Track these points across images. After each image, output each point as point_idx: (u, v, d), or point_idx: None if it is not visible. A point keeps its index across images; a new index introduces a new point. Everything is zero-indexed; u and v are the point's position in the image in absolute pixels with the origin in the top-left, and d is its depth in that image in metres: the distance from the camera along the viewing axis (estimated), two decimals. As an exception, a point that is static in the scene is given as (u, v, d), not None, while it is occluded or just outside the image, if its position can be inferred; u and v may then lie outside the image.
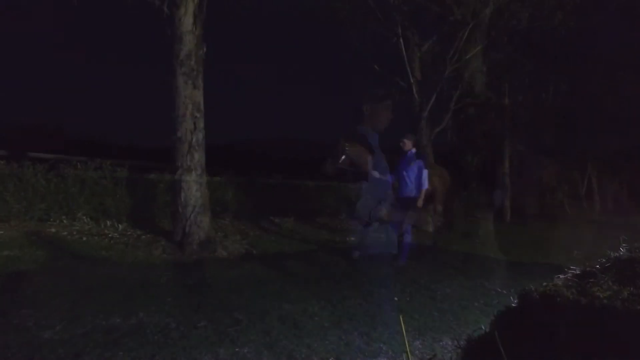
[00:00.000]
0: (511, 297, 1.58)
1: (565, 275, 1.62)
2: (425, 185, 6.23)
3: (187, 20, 6.40)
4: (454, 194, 8.22)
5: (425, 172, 6.27)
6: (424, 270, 5.77)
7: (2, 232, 6.16)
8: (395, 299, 4.23)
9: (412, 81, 11.73)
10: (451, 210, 8.36)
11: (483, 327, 1.41)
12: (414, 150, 6.45)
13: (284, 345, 2.93)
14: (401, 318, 1.60)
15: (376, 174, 6.48)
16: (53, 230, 6.50)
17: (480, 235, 11.46)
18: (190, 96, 6.46)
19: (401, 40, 11.32)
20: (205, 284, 4.55)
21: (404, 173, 6.29)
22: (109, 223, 7.25)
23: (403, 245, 6.20)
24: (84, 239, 6.50)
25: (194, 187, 6.50)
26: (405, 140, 6.47)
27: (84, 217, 7.12)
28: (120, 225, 7.26)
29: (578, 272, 1.64)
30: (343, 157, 6.64)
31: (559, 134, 17.32)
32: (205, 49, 6.68)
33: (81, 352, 2.66)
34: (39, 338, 2.88)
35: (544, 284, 1.53)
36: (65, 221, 6.75)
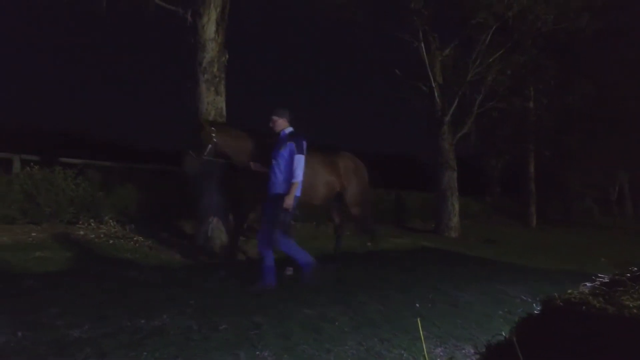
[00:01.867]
0: (534, 305, 1.55)
1: (593, 283, 1.57)
2: (297, 176, 4.54)
3: (209, 28, 6.54)
4: (367, 195, 6.43)
5: (298, 159, 4.55)
6: (445, 277, 5.69)
7: (34, 234, 6.40)
8: (417, 305, 4.19)
9: (433, 85, 11.65)
10: (369, 216, 6.70)
11: (503, 334, 1.39)
12: (287, 130, 4.77)
13: (304, 349, 2.94)
14: (419, 324, 1.57)
15: (258, 167, 5.11)
16: (81, 232, 6.71)
17: (503, 241, 11.23)
18: (213, 102, 6.59)
19: (422, 45, 11.25)
20: (226, 287, 4.60)
21: (273, 162, 4.70)
22: (133, 227, 7.43)
23: (264, 266, 4.63)
24: (111, 241, 6.67)
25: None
26: (275, 118, 4.78)
27: (111, 221, 7.31)
28: (142, 229, 7.43)
29: (606, 280, 1.59)
30: (209, 146, 5.22)
31: (586, 138, 16.83)
32: (227, 56, 6.80)
33: (107, 351, 2.73)
34: (68, 336, 2.97)
35: (569, 291, 1.50)
36: (92, 224, 6.95)
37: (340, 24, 11.64)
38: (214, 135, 5.23)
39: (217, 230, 6.55)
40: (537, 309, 1.49)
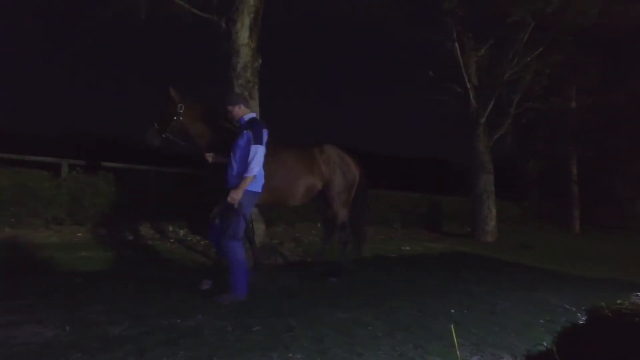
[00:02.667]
0: (578, 314, 1.48)
1: (643, 293, 1.48)
2: (251, 170, 3.95)
3: (243, 34, 6.66)
4: (365, 196, 5.74)
5: (254, 149, 3.97)
6: (481, 283, 5.53)
7: (80, 234, 6.72)
8: (452, 311, 4.09)
9: (468, 87, 11.38)
10: (360, 221, 5.84)
11: (545, 344, 1.33)
12: (246, 117, 4.24)
13: (336, 353, 2.93)
14: (453, 331, 1.53)
15: (219, 158, 4.39)
16: (122, 234, 6.98)
17: (543, 246, 10.80)
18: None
19: (456, 45, 11.03)
20: (259, 289, 4.65)
21: (231, 154, 4.15)
22: (170, 228, 7.66)
23: (232, 273, 4.02)
24: (149, 242, 6.91)
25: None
26: (229, 108, 4.25)
27: (149, 223, 7.57)
28: (181, 231, 7.65)
29: (659, 290, 1.50)
30: (174, 118, 4.63)
31: (636, 139, 15.90)
32: (260, 61, 6.91)
33: (146, 348, 2.82)
34: (110, 333, 3.09)
35: (619, 301, 1.42)
36: (132, 226, 7.21)
37: (372, 27, 11.59)
38: (181, 112, 4.66)
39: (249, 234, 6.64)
40: (582, 319, 1.42)
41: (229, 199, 3.93)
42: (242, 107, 4.26)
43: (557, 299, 4.72)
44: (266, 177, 4.42)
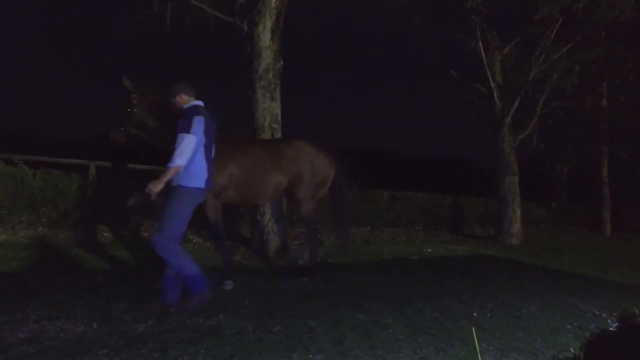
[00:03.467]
0: (609, 321, 1.42)
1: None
2: (173, 160, 3.63)
3: (265, 37, 6.71)
4: (344, 194, 5.43)
5: (180, 139, 3.68)
6: (506, 286, 5.40)
7: (106, 234, 6.90)
8: (474, 314, 4.00)
9: (492, 86, 11.15)
10: (340, 221, 5.56)
11: (572, 350, 1.28)
12: (186, 106, 3.94)
13: (357, 355, 2.91)
14: (475, 334, 1.49)
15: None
16: (145, 234, 7.12)
17: (571, 250, 10.48)
18: (268, 108, 6.74)
19: (480, 44, 10.83)
20: (280, 290, 4.66)
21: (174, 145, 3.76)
22: (194, 229, 7.77)
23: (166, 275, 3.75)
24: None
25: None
26: (172, 100, 4.01)
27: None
28: (204, 231, 7.75)
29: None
30: (129, 110, 4.42)
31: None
32: (282, 63, 6.95)
33: (168, 346, 2.87)
34: (134, 330, 3.16)
35: (650, 307, 1.36)
36: (156, 226, 7.35)
37: (395, 27, 11.48)
38: (134, 102, 4.42)
39: (272, 234, 6.68)
40: (612, 326, 1.37)
41: (146, 189, 3.58)
42: (183, 96, 3.97)
43: (586, 304, 4.56)
44: (231, 174, 4.41)
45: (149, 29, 7.24)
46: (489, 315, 4.02)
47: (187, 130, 3.69)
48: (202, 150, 3.81)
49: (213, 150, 4.04)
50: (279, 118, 6.89)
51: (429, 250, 8.60)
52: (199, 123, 3.74)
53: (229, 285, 4.54)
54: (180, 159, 3.64)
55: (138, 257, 6.01)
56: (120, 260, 5.83)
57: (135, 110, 4.45)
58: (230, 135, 4.88)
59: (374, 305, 4.10)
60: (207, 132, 3.84)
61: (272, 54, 6.78)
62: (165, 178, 3.63)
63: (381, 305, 4.14)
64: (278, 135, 6.81)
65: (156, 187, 3.59)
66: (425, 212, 11.46)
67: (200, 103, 3.97)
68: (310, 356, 2.84)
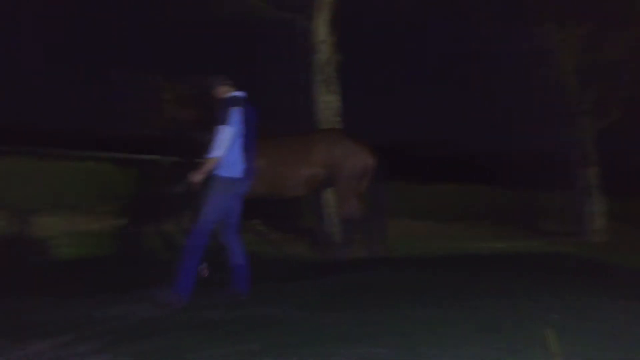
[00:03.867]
0: None
1: None
2: (212, 152, 3.68)
3: (322, 30, 6.75)
4: (381, 188, 5.22)
5: (216, 131, 3.71)
6: (589, 288, 4.99)
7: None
8: (556, 316, 3.75)
9: (568, 71, 10.33)
10: (376, 216, 5.35)
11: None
12: (228, 95, 3.92)
13: (423, 351, 2.86)
14: (552, 338, 1.38)
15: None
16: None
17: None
18: (328, 102, 6.79)
19: (553, 26, 10.06)
20: (344, 282, 4.70)
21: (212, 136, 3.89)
22: (259, 221, 8.04)
23: (180, 268, 3.69)
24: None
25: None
26: (216, 91, 3.99)
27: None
28: (258, 225, 7.99)
29: None
30: (166, 107, 4.64)
31: None
32: (340, 56, 6.94)
33: (240, 332, 3.01)
34: (209, 315, 3.38)
35: None
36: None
37: (457, 13, 11.00)
38: (168, 98, 4.62)
39: (337, 226, 6.73)
40: None
41: (188, 179, 3.72)
42: (222, 87, 3.97)
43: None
44: (261, 166, 4.35)
45: (207, 28, 7.50)
46: (570, 318, 3.75)
47: (224, 121, 3.71)
48: (239, 139, 3.81)
49: (255, 139, 4.01)
50: (339, 111, 6.90)
51: (499, 246, 8.22)
52: (235, 113, 3.76)
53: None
54: (218, 151, 3.69)
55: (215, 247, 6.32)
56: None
57: (167, 105, 4.58)
58: (262, 130, 4.78)
59: (441, 301, 4.00)
60: (246, 122, 3.84)
61: (330, 48, 6.80)
62: (205, 169, 3.72)
63: (446, 301, 4.02)
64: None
65: (196, 178, 3.70)
66: (494, 206, 10.94)
67: (239, 94, 3.96)
68: (375, 349, 2.84)
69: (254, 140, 3.96)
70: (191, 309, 3.51)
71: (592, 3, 10.29)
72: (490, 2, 10.11)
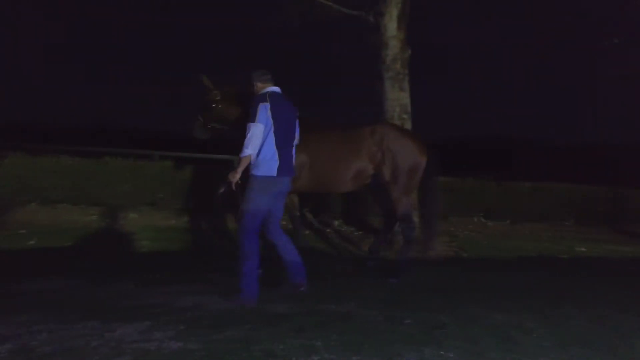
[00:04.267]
0: None
1: None
2: (244, 150, 3.62)
3: (391, 26, 6.63)
4: (433, 185, 5.02)
5: (247, 128, 3.63)
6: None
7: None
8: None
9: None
10: (428, 214, 5.15)
11: None
12: (262, 91, 3.85)
13: (493, 357, 2.71)
14: None
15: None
16: (283, 222, 7.65)
17: None
18: (397, 99, 6.66)
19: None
20: (412, 283, 4.59)
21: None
22: (326, 219, 8.13)
23: (239, 273, 3.67)
24: (306, 231, 7.45)
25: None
26: (254, 88, 3.93)
27: (307, 213, 8.17)
28: (336, 222, 8.05)
29: None
30: (214, 106, 4.66)
31: None
32: (410, 52, 6.78)
33: (303, 327, 3.06)
34: (272, 310, 3.45)
35: None
36: (285, 215, 7.91)
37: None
38: (217, 98, 4.67)
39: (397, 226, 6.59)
40: None
41: (230, 178, 3.69)
42: (258, 84, 3.91)
43: None
44: (302, 162, 4.36)
45: (277, 29, 7.65)
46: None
47: (252, 119, 3.65)
48: (271, 136, 3.70)
49: (295, 136, 3.95)
50: (409, 108, 6.75)
51: (583, 249, 7.55)
52: (263, 109, 3.67)
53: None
54: (248, 149, 3.62)
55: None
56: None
57: (219, 106, 4.68)
58: (306, 124, 4.65)
59: (515, 306, 3.77)
60: (279, 117, 3.71)
61: (399, 43, 6.66)
62: (240, 168, 3.67)
63: (523, 306, 3.77)
64: (408, 125, 6.68)
65: (234, 177, 3.67)
66: (577, 205, 10.06)
67: (274, 89, 3.87)
68: (442, 352, 2.74)
69: (290, 137, 3.87)
70: (257, 301, 3.63)
71: None
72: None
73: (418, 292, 4.17)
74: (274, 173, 3.71)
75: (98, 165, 7.81)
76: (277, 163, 3.71)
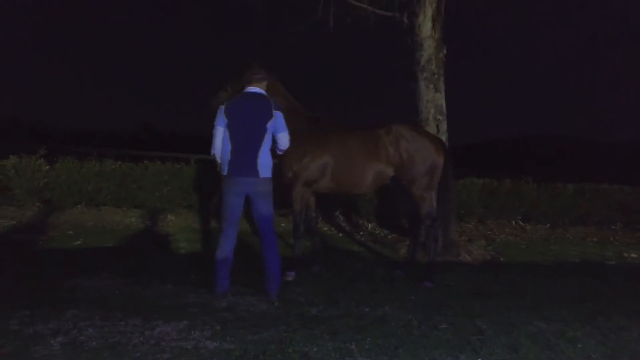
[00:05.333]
0: None
1: None
2: (211, 150, 3.92)
3: (426, 26, 6.53)
4: (449, 185, 4.98)
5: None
6: None
7: (283, 225, 7.71)
8: None
9: None
10: (444, 214, 5.02)
11: None
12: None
13: (536, 366, 2.61)
14: None
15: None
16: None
17: None
18: (432, 100, 6.55)
19: None
20: (448, 287, 4.50)
21: None
22: (360, 222, 8.09)
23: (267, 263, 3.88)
24: (340, 234, 7.45)
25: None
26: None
27: (340, 216, 8.16)
28: (369, 224, 8.00)
29: None
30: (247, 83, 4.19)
31: None
32: (445, 52, 6.66)
33: (338, 330, 3.05)
34: (308, 312, 3.47)
35: None
36: (322, 218, 7.90)
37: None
38: (257, 76, 4.14)
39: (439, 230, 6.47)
40: None
41: None
42: (245, 85, 3.99)
43: None
44: (325, 164, 4.53)
45: (311, 32, 7.66)
46: None
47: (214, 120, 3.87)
48: (227, 138, 3.79)
49: (260, 136, 3.81)
50: (444, 109, 6.63)
51: (633, 255, 7.15)
52: (219, 112, 3.83)
53: (291, 276, 4.44)
54: (211, 149, 3.88)
55: (306, 246, 6.53)
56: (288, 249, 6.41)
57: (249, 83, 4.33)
58: (327, 125, 4.79)
59: (557, 313, 3.61)
60: (234, 119, 3.77)
61: (434, 44, 6.56)
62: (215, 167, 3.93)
63: (566, 314, 3.61)
64: (443, 127, 6.56)
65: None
66: (626, 208, 9.52)
67: (249, 90, 3.91)
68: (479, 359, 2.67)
69: (254, 138, 3.80)
70: (291, 303, 3.66)
71: None
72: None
73: (454, 296, 4.08)
74: (225, 172, 3.81)
75: (138, 169, 8.11)
76: (233, 163, 3.77)
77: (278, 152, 4.16)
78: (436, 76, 6.56)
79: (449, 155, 4.97)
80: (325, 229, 7.69)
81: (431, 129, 6.44)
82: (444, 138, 6.47)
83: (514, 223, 8.64)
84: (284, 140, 4.00)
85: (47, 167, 7.92)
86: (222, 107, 3.84)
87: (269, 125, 3.83)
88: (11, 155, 7.90)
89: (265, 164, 3.82)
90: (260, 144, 3.81)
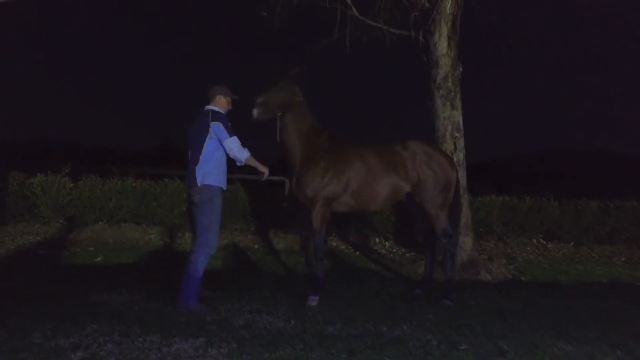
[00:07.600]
0: None
1: None
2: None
3: (441, 45, 6.56)
4: (459, 202, 5.02)
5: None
6: None
7: (299, 242, 7.71)
8: None
9: None
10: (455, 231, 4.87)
11: None
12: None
13: (562, 390, 2.51)
14: None
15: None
16: (334, 244, 7.67)
17: None
18: (449, 117, 6.53)
19: None
20: (467, 306, 4.40)
21: None
22: (377, 240, 8.02)
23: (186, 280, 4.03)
24: (357, 253, 7.40)
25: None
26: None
27: (356, 234, 8.12)
28: (387, 243, 7.93)
29: None
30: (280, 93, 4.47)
31: None
32: (461, 69, 6.66)
33: (354, 350, 3.01)
34: (325, 330, 3.44)
35: None
36: (338, 237, 7.88)
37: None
38: (285, 83, 4.45)
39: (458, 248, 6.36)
40: None
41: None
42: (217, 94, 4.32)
43: None
44: (348, 180, 4.52)
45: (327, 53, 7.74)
46: None
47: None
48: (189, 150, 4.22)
49: (199, 148, 4.08)
50: (461, 126, 6.60)
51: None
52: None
53: (314, 301, 4.22)
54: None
55: (333, 265, 6.50)
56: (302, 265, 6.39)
57: (281, 92, 4.45)
58: (344, 142, 4.77)
59: (584, 335, 3.49)
60: (188, 135, 4.23)
61: (450, 61, 6.57)
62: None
63: (594, 336, 3.48)
64: (460, 144, 6.51)
65: None
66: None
67: (206, 108, 4.24)
68: (502, 382, 2.59)
69: (195, 152, 4.12)
70: (308, 321, 3.63)
71: None
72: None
73: (475, 316, 3.98)
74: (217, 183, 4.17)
75: (158, 187, 8.25)
76: (188, 174, 4.16)
77: (238, 163, 4.26)
78: (452, 93, 6.55)
79: (458, 173, 5.00)
80: (343, 247, 7.64)
81: (448, 146, 6.40)
82: (461, 155, 6.43)
83: (535, 241, 8.44)
84: (229, 146, 4.09)
85: (72, 185, 8.14)
86: (191, 123, 4.28)
87: (209, 137, 4.06)
88: (38, 174, 8.16)
89: (203, 173, 4.07)
90: (199, 155, 4.08)
